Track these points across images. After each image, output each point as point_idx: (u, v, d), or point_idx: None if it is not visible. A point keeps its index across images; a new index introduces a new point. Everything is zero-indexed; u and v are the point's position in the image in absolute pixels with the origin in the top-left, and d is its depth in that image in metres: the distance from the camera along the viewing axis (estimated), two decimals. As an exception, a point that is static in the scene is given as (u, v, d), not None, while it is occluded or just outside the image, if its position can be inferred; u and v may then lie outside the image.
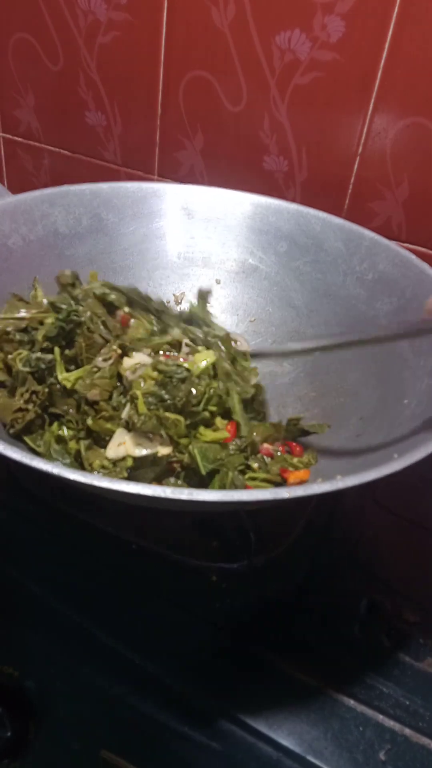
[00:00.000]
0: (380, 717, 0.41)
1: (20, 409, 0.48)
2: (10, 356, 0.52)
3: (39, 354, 0.51)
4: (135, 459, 0.46)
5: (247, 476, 0.48)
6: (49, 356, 0.50)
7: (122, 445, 0.46)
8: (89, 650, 0.44)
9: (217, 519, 0.51)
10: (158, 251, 0.68)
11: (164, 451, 0.46)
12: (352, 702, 0.42)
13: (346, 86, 0.63)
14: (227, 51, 0.67)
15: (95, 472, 0.46)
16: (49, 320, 0.53)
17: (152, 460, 0.46)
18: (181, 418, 0.47)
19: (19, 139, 0.89)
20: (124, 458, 0.46)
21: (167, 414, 0.47)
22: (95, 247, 0.65)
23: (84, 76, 0.78)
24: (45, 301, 0.57)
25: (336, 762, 0.39)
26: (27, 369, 0.49)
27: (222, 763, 0.39)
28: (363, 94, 0.63)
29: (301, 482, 0.47)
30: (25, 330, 0.54)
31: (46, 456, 0.48)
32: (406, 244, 0.67)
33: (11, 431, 0.49)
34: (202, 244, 0.68)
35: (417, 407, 0.47)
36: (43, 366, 0.50)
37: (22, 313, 0.54)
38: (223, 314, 0.67)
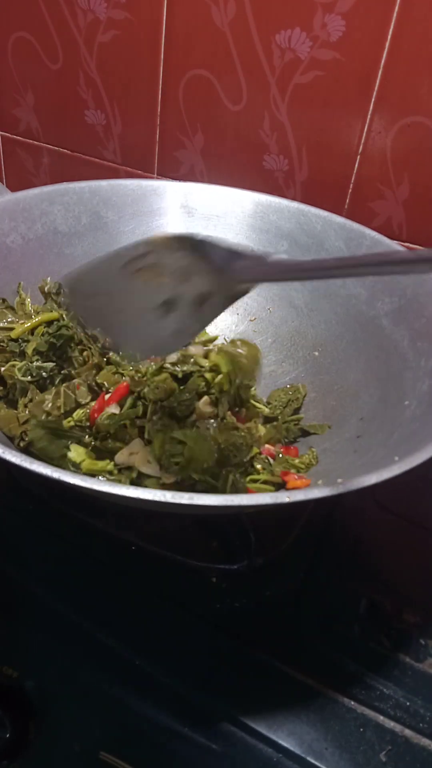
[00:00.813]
0: (380, 718, 0.41)
1: (28, 421, 0.48)
2: (2, 368, 0.51)
3: (39, 362, 0.50)
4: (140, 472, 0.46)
5: (248, 478, 0.48)
6: (50, 364, 0.50)
7: (134, 455, 0.46)
8: (89, 651, 0.44)
9: (217, 520, 0.51)
10: (158, 250, 0.68)
11: (168, 480, 0.45)
12: (352, 703, 0.42)
13: (347, 85, 0.63)
14: (227, 50, 0.67)
15: (98, 477, 0.46)
16: (39, 331, 0.52)
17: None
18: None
19: (19, 138, 0.88)
20: (130, 468, 0.46)
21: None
22: (95, 246, 0.65)
23: (83, 75, 0.77)
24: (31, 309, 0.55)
25: (336, 763, 0.39)
26: (28, 378, 0.48)
27: (222, 765, 0.39)
28: (363, 93, 0.63)
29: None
30: (14, 338, 0.53)
31: (64, 467, 0.46)
32: (406, 244, 0.67)
33: (21, 444, 0.48)
34: (202, 243, 0.68)
35: (417, 408, 0.47)
36: (44, 375, 0.49)
37: (10, 321, 0.53)
38: (223, 313, 0.67)
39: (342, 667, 0.44)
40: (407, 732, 0.40)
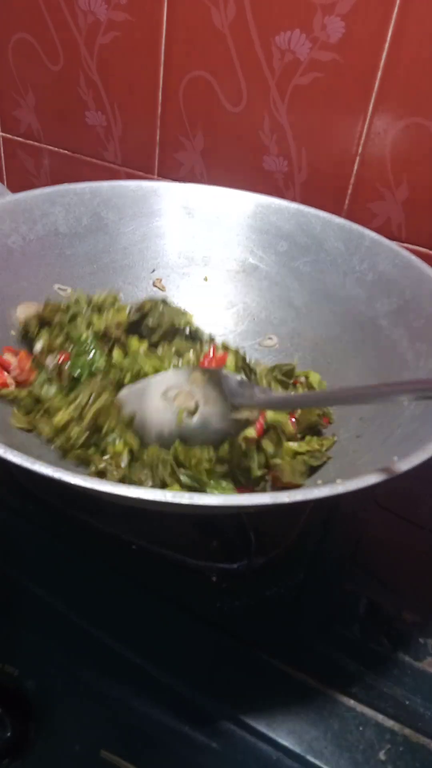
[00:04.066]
0: (380, 717, 0.41)
1: None
2: None
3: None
4: None
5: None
6: None
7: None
8: (89, 650, 0.44)
9: (217, 519, 0.51)
10: (158, 250, 0.68)
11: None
12: (351, 702, 0.42)
13: (346, 87, 0.63)
14: (227, 51, 0.67)
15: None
16: None
17: None
18: None
19: (20, 139, 0.89)
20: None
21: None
22: (95, 247, 0.65)
23: (84, 76, 0.78)
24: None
25: (336, 762, 0.39)
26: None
27: (222, 763, 0.39)
28: (363, 94, 0.63)
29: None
30: None
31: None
32: (406, 245, 0.67)
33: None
34: (202, 243, 0.68)
35: (416, 408, 0.47)
36: None
37: None
38: (222, 314, 0.67)
39: (342, 667, 0.44)
40: (407, 731, 0.41)
